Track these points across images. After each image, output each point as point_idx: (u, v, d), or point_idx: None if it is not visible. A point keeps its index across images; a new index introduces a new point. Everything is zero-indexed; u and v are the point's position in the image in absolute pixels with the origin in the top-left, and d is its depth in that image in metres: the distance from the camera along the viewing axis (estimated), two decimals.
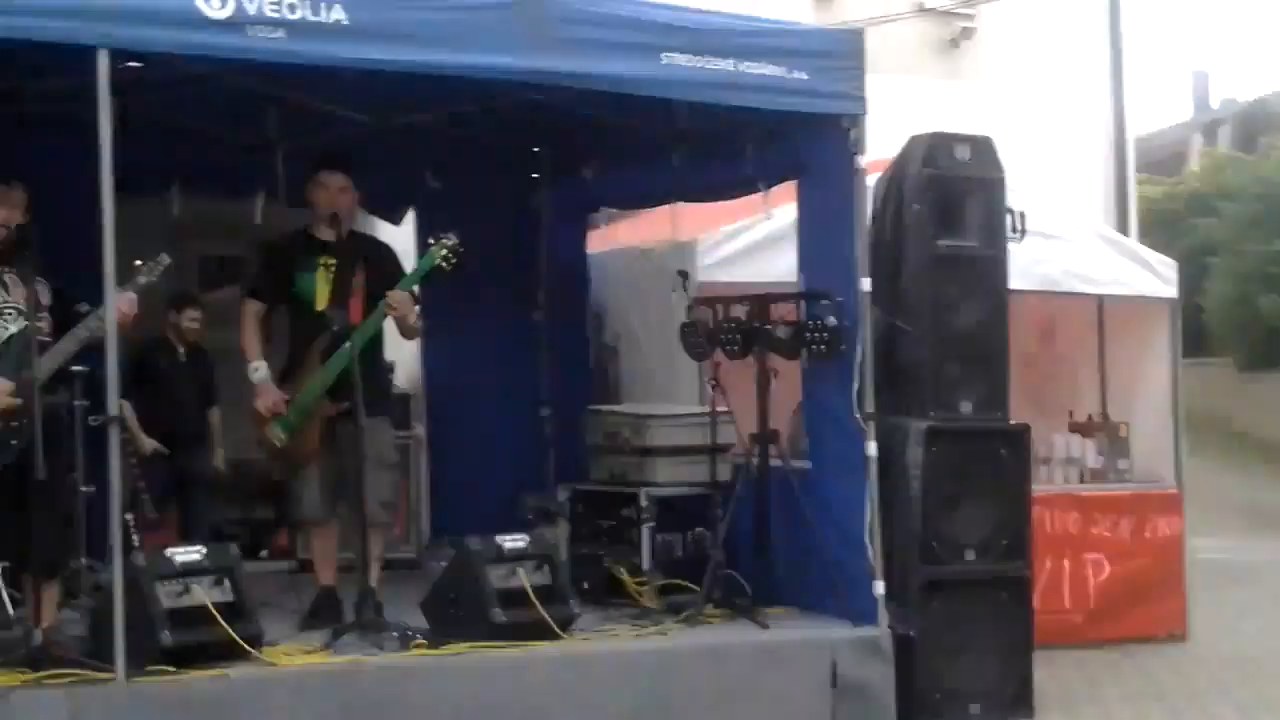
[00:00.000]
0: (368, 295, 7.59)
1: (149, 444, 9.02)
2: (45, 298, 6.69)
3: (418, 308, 7.64)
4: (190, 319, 9.33)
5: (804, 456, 8.15)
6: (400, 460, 8.21)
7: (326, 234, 7.72)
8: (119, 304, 6.41)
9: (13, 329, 6.58)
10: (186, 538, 8.26)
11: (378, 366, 7.94)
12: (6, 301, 6.62)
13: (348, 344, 7.38)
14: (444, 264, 7.53)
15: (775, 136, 8.25)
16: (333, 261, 7.67)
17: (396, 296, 7.45)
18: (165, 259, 6.83)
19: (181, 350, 9.34)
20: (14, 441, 6.47)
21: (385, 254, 7.98)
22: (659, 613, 7.86)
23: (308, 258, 7.74)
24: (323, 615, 7.54)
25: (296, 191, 9.02)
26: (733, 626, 7.64)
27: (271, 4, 6.39)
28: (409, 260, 8.38)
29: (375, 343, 7.74)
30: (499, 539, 7.34)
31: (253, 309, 7.85)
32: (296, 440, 7.63)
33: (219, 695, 6.27)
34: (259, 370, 7.68)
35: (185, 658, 6.34)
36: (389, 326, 7.71)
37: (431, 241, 7.60)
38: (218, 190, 9.82)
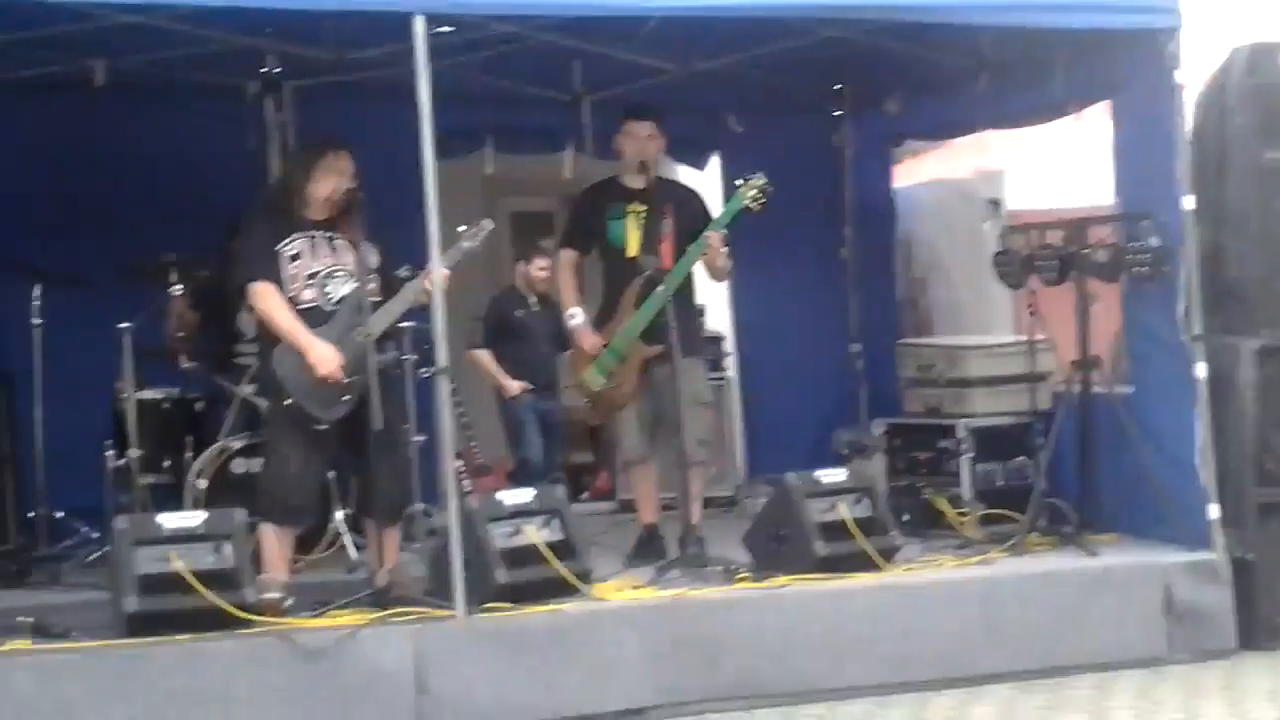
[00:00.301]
0: (677, 239, 7.67)
1: (516, 386, 9.29)
2: (373, 261, 6.93)
3: (725, 249, 7.70)
4: (539, 268, 9.52)
5: (1126, 381, 7.96)
6: (715, 400, 8.27)
7: (635, 181, 7.81)
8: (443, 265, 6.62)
9: (343, 291, 6.83)
10: (517, 482, 8.49)
11: (690, 309, 8.02)
12: (336, 265, 6.86)
13: (661, 287, 7.47)
14: (752, 204, 7.55)
15: (1086, 56, 8.03)
16: (642, 208, 7.75)
17: (711, 238, 7.51)
18: (488, 223, 6.99)
19: (533, 299, 9.56)
20: (346, 398, 6.73)
21: (693, 198, 8.04)
22: (981, 543, 7.79)
23: (618, 205, 7.84)
24: (646, 553, 7.69)
25: (603, 143, 9.21)
26: (1059, 554, 7.52)
27: None
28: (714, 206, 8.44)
29: (687, 286, 7.81)
30: (818, 473, 7.38)
31: (568, 258, 8.01)
32: (613, 384, 7.76)
33: (553, 630, 6.45)
34: (576, 317, 7.84)
35: (519, 595, 6.54)
36: (698, 270, 7.79)
37: (739, 183, 7.63)
38: (527, 147, 10.07)
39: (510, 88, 9.46)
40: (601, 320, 7.86)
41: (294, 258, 6.81)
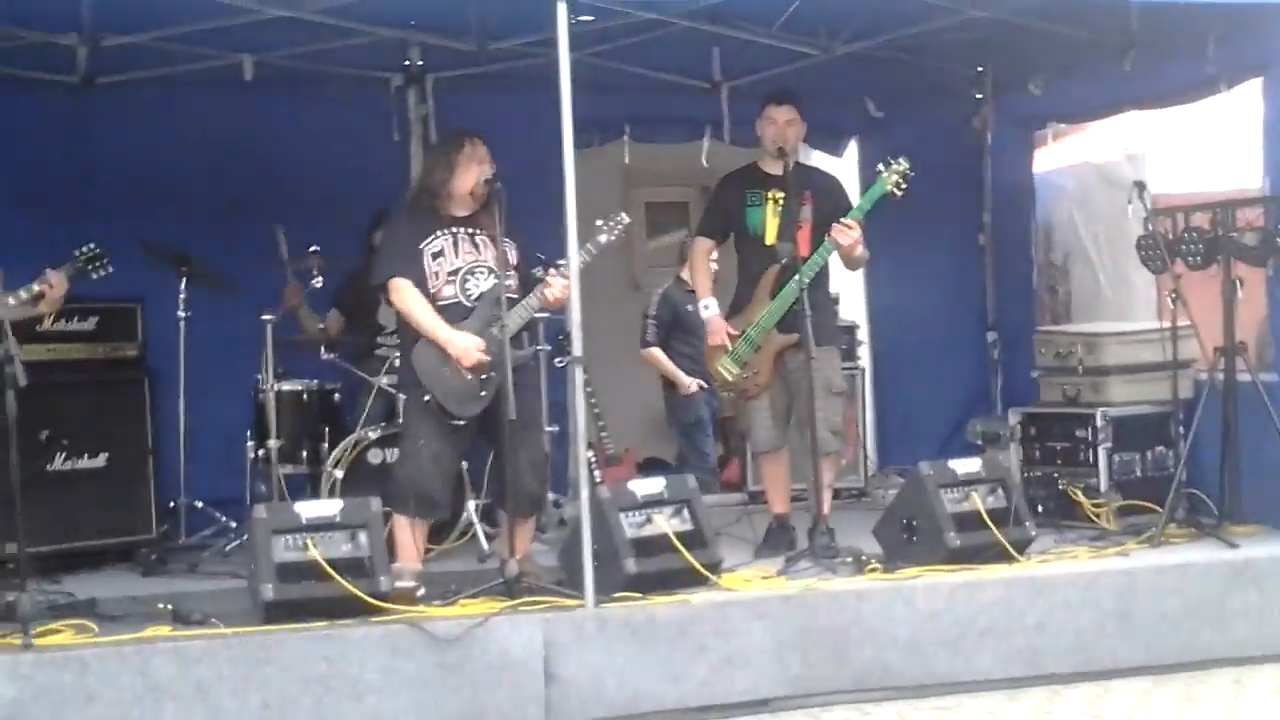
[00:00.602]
0: (815, 227, 7.64)
1: (692, 382, 9.34)
2: (513, 257, 7.01)
3: (857, 234, 7.61)
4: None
5: (1271, 368, 7.79)
6: (848, 390, 8.23)
7: (774, 168, 7.79)
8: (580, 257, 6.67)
9: (483, 287, 6.91)
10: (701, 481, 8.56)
11: (825, 298, 7.98)
12: (478, 262, 6.95)
13: (797, 276, 7.44)
14: (895, 190, 7.51)
15: (1237, 32, 7.87)
16: (780, 195, 7.71)
17: (848, 225, 7.46)
18: (624, 217, 7.04)
19: None
20: (483, 393, 6.83)
21: (832, 185, 7.99)
22: (1118, 534, 7.68)
23: (757, 192, 7.81)
24: (776, 543, 7.68)
25: (742, 130, 9.25)
26: (1198, 546, 7.39)
27: None
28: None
29: (823, 274, 7.78)
30: (951, 463, 7.33)
31: (703, 246, 8.01)
32: (747, 374, 7.75)
33: (681, 620, 6.46)
34: (710, 307, 7.84)
35: (648, 585, 6.57)
36: (834, 258, 7.75)
37: (881, 168, 7.58)
38: (665, 135, 10.09)
39: (648, 76, 9.51)
40: (736, 309, 7.85)
41: (436, 255, 6.93)
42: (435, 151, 7.26)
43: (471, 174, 6.93)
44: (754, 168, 7.94)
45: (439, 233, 6.94)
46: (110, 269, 7.11)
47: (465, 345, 6.77)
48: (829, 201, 7.75)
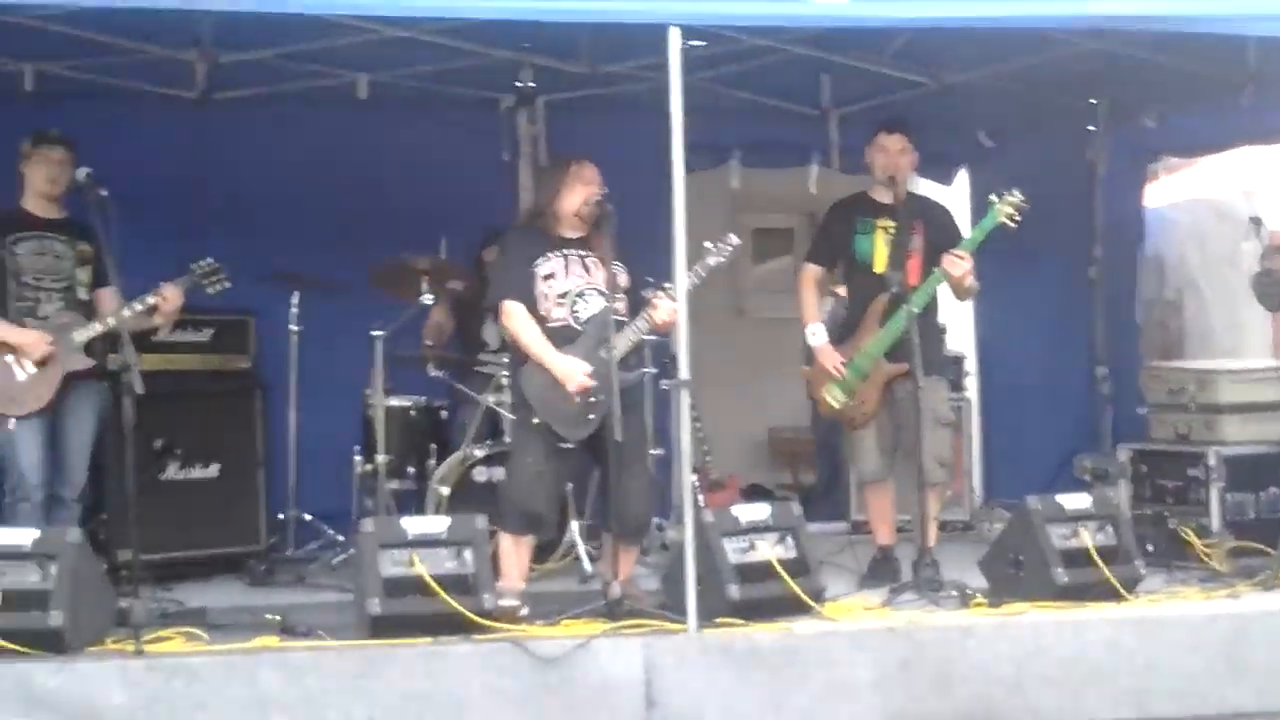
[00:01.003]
0: (926, 256, 7.60)
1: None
2: (624, 279, 7.03)
3: (968, 265, 7.55)
4: None
5: None
6: (955, 421, 8.18)
7: (884, 196, 7.76)
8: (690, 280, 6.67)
9: (593, 310, 6.93)
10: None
11: (933, 327, 7.94)
12: (588, 285, 6.97)
13: (907, 305, 7.40)
14: (1008, 221, 7.46)
15: None
16: (891, 224, 7.68)
17: (959, 256, 7.43)
18: (734, 240, 7.03)
19: None
20: (591, 416, 6.84)
21: (943, 215, 7.95)
22: (1230, 575, 7.56)
23: (867, 220, 7.78)
24: (880, 574, 7.64)
25: (850, 157, 9.23)
26: None
27: None
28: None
29: (931, 304, 7.74)
30: (1060, 498, 7.24)
31: (811, 273, 7.98)
32: (854, 401, 7.71)
33: (784, 648, 6.41)
34: (817, 334, 7.80)
35: (751, 611, 6.54)
36: (942, 288, 7.70)
37: (994, 199, 7.52)
38: (773, 161, 10.10)
39: (758, 101, 9.52)
40: (843, 336, 7.82)
41: (547, 276, 6.96)
42: (544, 173, 7.32)
43: (577, 195, 6.97)
44: (864, 196, 7.91)
45: (550, 254, 6.98)
46: (227, 284, 7.23)
47: (570, 370, 6.79)
48: (939, 231, 7.72)
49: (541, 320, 6.92)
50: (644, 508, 7.11)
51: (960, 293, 7.79)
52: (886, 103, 9.25)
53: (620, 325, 6.85)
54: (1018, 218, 7.45)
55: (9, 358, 6.89)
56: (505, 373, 7.95)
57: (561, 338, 6.90)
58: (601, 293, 6.91)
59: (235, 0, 6.11)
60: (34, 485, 6.87)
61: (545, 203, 7.06)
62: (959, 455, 8.43)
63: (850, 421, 7.79)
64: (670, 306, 6.72)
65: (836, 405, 7.75)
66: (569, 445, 6.90)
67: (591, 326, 6.90)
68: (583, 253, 7.00)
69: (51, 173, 7.03)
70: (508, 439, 7.92)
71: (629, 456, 6.80)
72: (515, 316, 6.93)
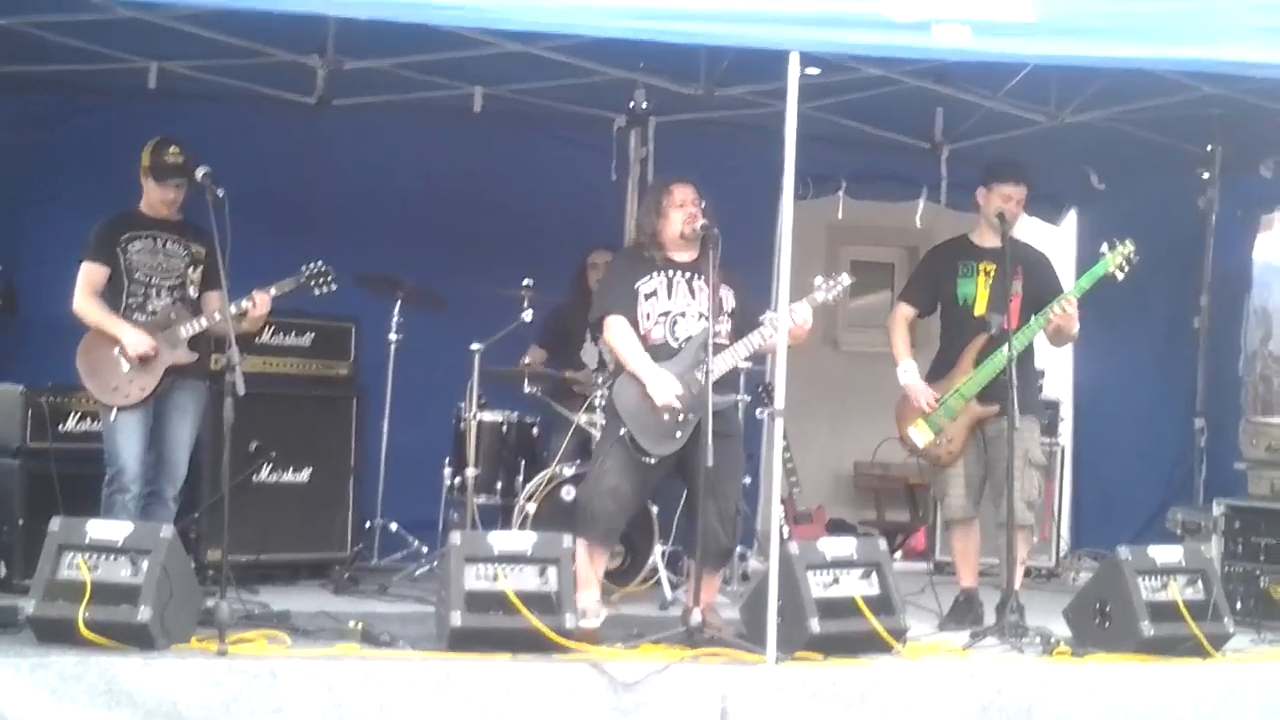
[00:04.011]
0: (1024, 300, 7.60)
1: None
2: (729, 303, 7.04)
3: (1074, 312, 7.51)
4: None
5: None
6: (1046, 465, 8.11)
7: (986, 240, 7.75)
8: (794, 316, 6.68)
9: (693, 331, 6.95)
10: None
11: (1030, 370, 7.89)
12: (690, 305, 6.99)
13: (1004, 348, 7.37)
14: (1117, 272, 7.46)
15: None
16: (993, 267, 7.68)
17: (1069, 303, 7.44)
18: (846, 279, 7.04)
19: None
20: (679, 434, 6.85)
21: (1043, 262, 7.90)
22: None
23: (969, 264, 7.78)
24: (962, 616, 7.60)
25: (958, 193, 9.23)
26: None
27: (959, 3, 6.29)
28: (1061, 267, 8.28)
29: (1029, 347, 7.70)
30: (1151, 550, 7.16)
31: (904, 313, 7.96)
32: (940, 440, 7.69)
33: (862, 685, 6.37)
34: (908, 371, 7.77)
35: (831, 646, 6.51)
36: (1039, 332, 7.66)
37: (1105, 249, 7.50)
38: (880, 193, 10.10)
39: (869, 132, 9.51)
40: (935, 375, 7.79)
41: (649, 295, 7.00)
42: (646, 197, 7.33)
43: (677, 218, 7.00)
44: (965, 240, 7.91)
45: (654, 274, 7.02)
46: (334, 286, 7.33)
47: (662, 386, 6.81)
48: (1039, 278, 7.72)
49: (641, 338, 6.96)
50: (728, 535, 7.09)
51: (1059, 338, 7.77)
52: (1000, 140, 9.20)
53: (719, 348, 6.86)
54: (1127, 269, 7.44)
55: (116, 350, 7.02)
56: (600, 393, 8.02)
57: (659, 356, 6.93)
58: (703, 314, 6.92)
59: (363, 7, 6.15)
60: (132, 478, 6.99)
61: (649, 227, 7.09)
62: (1049, 499, 8.35)
63: (936, 460, 7.77)
64: (805, 313, 6.73)
65: (923, 444, 7.73)
66: (651, 460, 6.91)
67: (689, 346, 6.92)
68: (688, 274, 7.02)
69: (168, 197, 7.16)
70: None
71: (718, 481, 6.79)
72: (616, 329, 6.98)
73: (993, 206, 7.72)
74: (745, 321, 7.00)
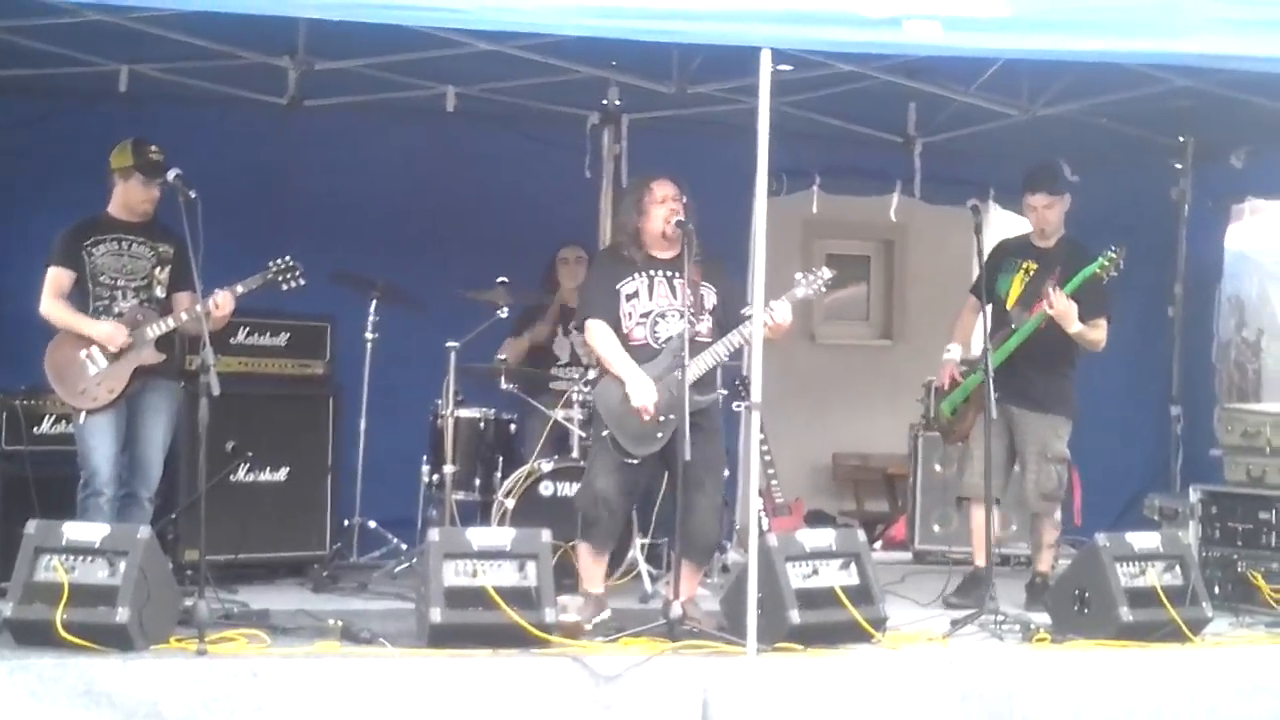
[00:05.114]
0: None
1: None
2: (710, 300, 7.05)
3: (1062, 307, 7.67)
4: None
5: None
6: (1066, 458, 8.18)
7: (1042, 241, 8.05)
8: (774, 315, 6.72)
9: (674, 330, 6.94)
10: None
11: (1060, 365, 8.01)
12: (671, 305, 7.00)
13: (1010, 340, 7.74)
14: (1102, 273, 7.67)
15: None
16: (1034, 266, 7.95)
17: (1054, 302, 7.65)
18: (826, 273, 7.08)
19: None
20: (660, 435, 6.88)
21: (1083, 258, 7.93)
22: None
23: (1015, 260, 8.04)
24: (967, 593, 7.71)
25: (932, 186, 9.28)
26: None
27: None
28: None
29: (1061, 345, 7.86)
30: (1129, 536, 7.20)
31: (969, 303, 8.27)
32: (956, 419, 8.07)
33: (842, 675, 6.40)
34: (950, 351, 8.16)
35: (811, 637, 6.52)
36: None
37: (1109, 253, 7.67)
38: (854, 187, 10.11)
39: (842, 127, 9.53)
40: (972, 362, 8.08)
41: (630, 296, 7.01)
42: (626, 196, 7.33)
43: (658, 215, 6.99)
44: (1024, 238, 8.20)
45: (635, 274, 7.03)
46: (302, 281, 7.29)
47: (641, 390, 6.83)
48: (1073, 272, 7.82)
49: (623, 339, 6.97)
50: (712, 529, 7.11)
51: (1081, 340, 7.91)
52: (972, 133, 9.23)
53: (700, 347, 6.87)
54: (1114, 271, 7.66)
55: (83, 353, 7.02)
56: (576, 388, 8.10)
57: (640, 356, 6.94)
58: (683, 314, 6.91)
59: (334, 9, 6.13)
60: (105, 480, 6.97)
61: (629, 226, 7.08)
62: (1075, 490, 8.48)
63: (949, 434, 8.23)
64: (785, 311, 6.79)
65: (942, 419, 8.23)
66: (634, 460, 6.92)
67: (669, 347, 6.92)
68: (669, 273, 7.02)
69: (154, 194, 7.13)
70: (574, 454, 8.01)
71: (701, 477, 6.81)
72: (597, 333, 7.00)
73: (1029, 219, 8.07)
74: (728, 318, 7.02)
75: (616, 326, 6.98)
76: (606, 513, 6.97)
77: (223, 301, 7.06)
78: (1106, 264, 7.63)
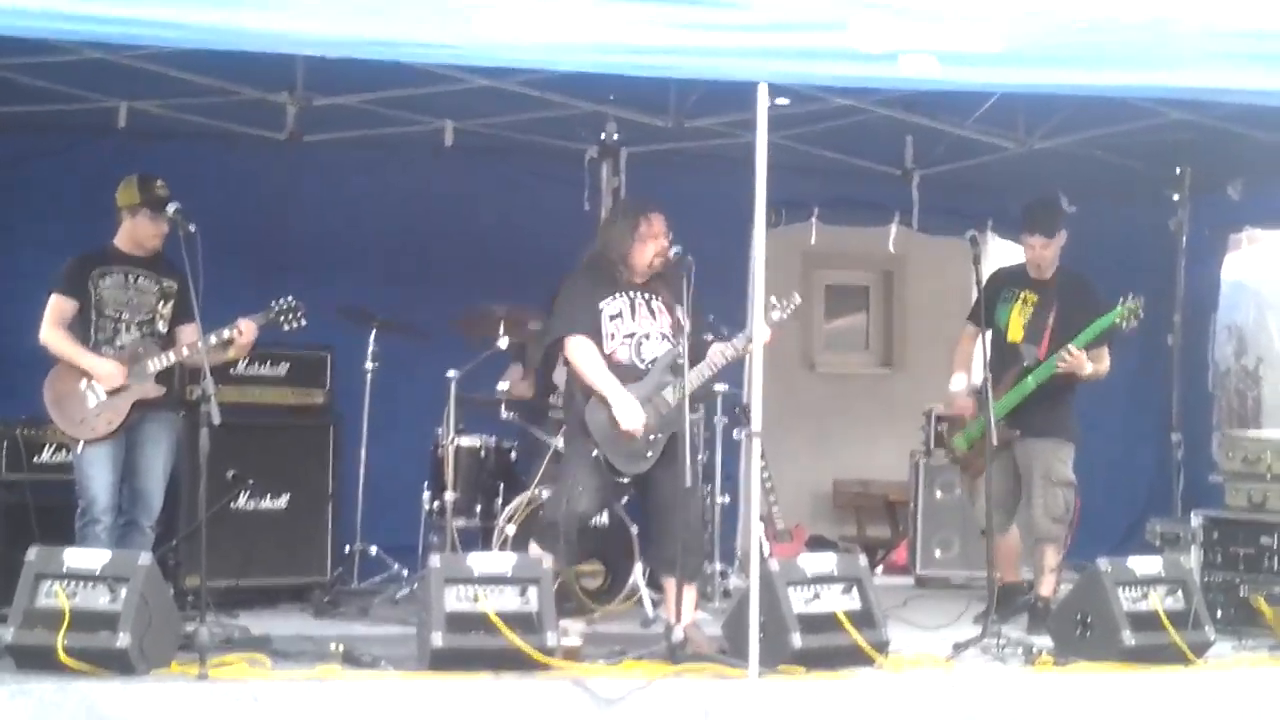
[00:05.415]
0: (1060, 330, 7.86)
1: None
2: (685, 324, 7.07)
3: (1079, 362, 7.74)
4: None
5: None
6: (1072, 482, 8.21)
7: (1036, 274, 8.07)
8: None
9: (658, 352, 6.99)
10: None
11: (1059, 396, 8.00)
12: (653, 327, 7.03)
13: (1028, 379, 7.80)
14: (1122, 324, 7.73)
15: None
16: (1034, 297, 7.99)
17: (1072, 354, 7.72)
18: (797, 299, 7.12)
19: None
20: (650, 454, 6.91)
21: (1084, 291, 8.05)
22: None
23: (1014, 290, 8.05)
24: (1004, 608, 7.68)
25: (930, 217, 9.30)
26: None
27: (925, 34, 6.35)
28: None
29: (1057, 375, 7.85)
30: (1130, 561, 7.20)
31: (966, 331, 8.29)
32: (973, 453, 8.06)
33: (844, 698, 6.39)
34: (957, 382, 8.19)
35: (813, 660, 6.51)
36: None
37: (1122, 300, 7.71)
38: (853, 219, 10.17)
39: (840, 160, 9.58)
40: (978, 392, 8.03)
41: (614, 316, 7.01)
42: (617, 223, 7.32)
43: (649, 249, 7.04)
44: (1021, 267, 8.19)
45: (617, 294, 7.04)
46: (303, 322, 7.31)
47: (628, 413, 6.83)
48: (1076, 308, 7.91)
49: (606, 358, 6.97)
50: (696, 548, 7.12)
51: (1089, 378, 7.96)
52: (971, 165, 9.30)
53: (680, 368, 6.86)
54: (1134, 322, 7.71)
55: (83, 384, 7.03)
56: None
57: (625, 377, 6.94)
58: (665, 336, 6.97)
59: (333, 46, 6.15)
60: (103, 509, 6.97)
61: (618, 253, 7.10)
62: (1076, 514, 8.52)
63: (966, 468, 8.25)
64: (764, 332, 6.79)
65: (958, 453, 8.23)
66: (624, 480, 6.96)
67: (656, 368, 6.96)
68: (648, 296, 7.07)
69: (162, 229, 7.14)
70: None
71: (685, 496, 6.79)
72: (580, 349, 6.97)
73: (1026, 258, 8.08)
74: (701, 342, 7.07)
75: (598, 345, 6.97)
76: (578, 533, 6.98)
77: (246, 329, 7.10)
78: (1126, 314, 7.71)
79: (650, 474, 6.92)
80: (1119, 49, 6.54)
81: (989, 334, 8.02)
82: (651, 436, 6.87)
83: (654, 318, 7.04)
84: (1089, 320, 7.78)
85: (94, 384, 7.04)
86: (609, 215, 7.47)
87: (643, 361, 6.99)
